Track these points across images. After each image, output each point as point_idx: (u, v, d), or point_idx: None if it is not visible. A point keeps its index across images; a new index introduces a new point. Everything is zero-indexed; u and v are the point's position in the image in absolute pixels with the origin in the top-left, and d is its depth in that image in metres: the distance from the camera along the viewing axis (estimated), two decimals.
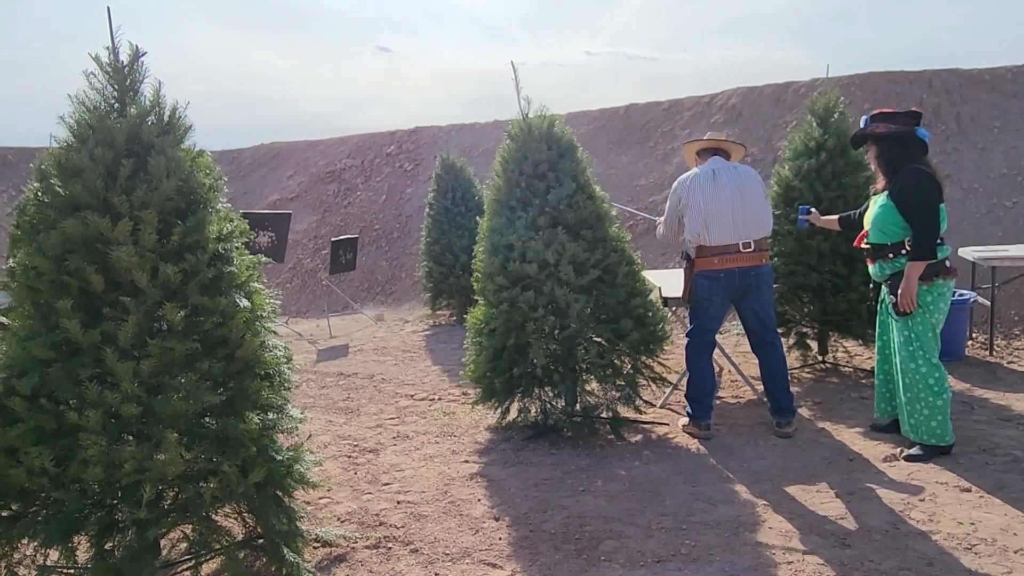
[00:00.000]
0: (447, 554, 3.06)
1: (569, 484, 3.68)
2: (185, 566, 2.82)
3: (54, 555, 2.63)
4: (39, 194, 2.65)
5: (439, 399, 5.43)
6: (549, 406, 4.43)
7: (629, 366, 4.31)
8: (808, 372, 5.57)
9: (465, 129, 13.50)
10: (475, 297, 4.65)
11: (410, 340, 7.93)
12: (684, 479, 3.67)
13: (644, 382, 4.43)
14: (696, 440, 4.23)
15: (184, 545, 2.94)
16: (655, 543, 3.04)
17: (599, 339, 4.31)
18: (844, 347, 5.95)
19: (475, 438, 4.50)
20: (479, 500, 3.58)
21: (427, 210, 8.90)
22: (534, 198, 4.32)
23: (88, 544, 2.49)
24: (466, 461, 4.12)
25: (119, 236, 2.53)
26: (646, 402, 4.46)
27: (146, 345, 2.51)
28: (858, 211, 4.26)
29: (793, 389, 5.12)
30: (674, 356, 4.76)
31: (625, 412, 4.39)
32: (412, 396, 5.55)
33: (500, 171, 4.49)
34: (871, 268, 3.91)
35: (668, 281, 5.16)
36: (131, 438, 2.46)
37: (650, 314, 4.33)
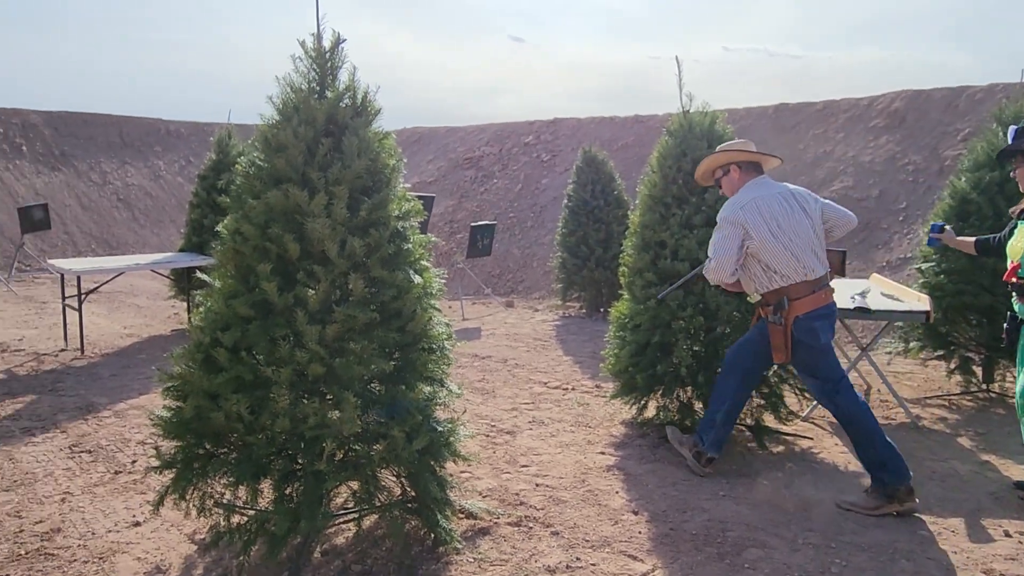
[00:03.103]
0: (587, 541, 3.11)
1: (709, 487, 3.64)
2: (346, 518, 3.03)
3: (229, 495, 2.90)
4: (248, 166, 2.92)
5: (572, 389, 5.49)
6: (688, 407, 4.38)
7: (779, 374, 4.18)
8: (969, 400, 5.18)
9: (604, 122, 13.45)
10: (620, 292, 4.66)
11: (540, 329, 8.03)
12: (832, 496, 3.53)
13: (788, 392, 4.29)
14: (843, 457, 4.04)
15: (339, 500, 3.18)
16: (802, 558, 2.95)
17: None
18: (1013, 376, 5.47)
19: (610, 431, 4.52)
20: (617, 492, 3.60)
21: (565, 201, 8.96)
22: (691, 196, 4.26)
23: (271, 488, 2.73)
24: (602, 453, 4.15)
25: (315, 209, 2.74)
26: (791, 413, 4.31)
27: (332, 311, 2.71)
28: (998, 236, 3.76)
29: (952, 416, 4.79)
30: None
31: (767, 421, 4.27)
32: (546, 384, 5.64)
33: (656, 167, 4.46)
34: (1018, 305, 3.41)
35: None
36: (314, 396, 2.67)
37: None
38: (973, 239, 3.96)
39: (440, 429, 2.90)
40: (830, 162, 9.90)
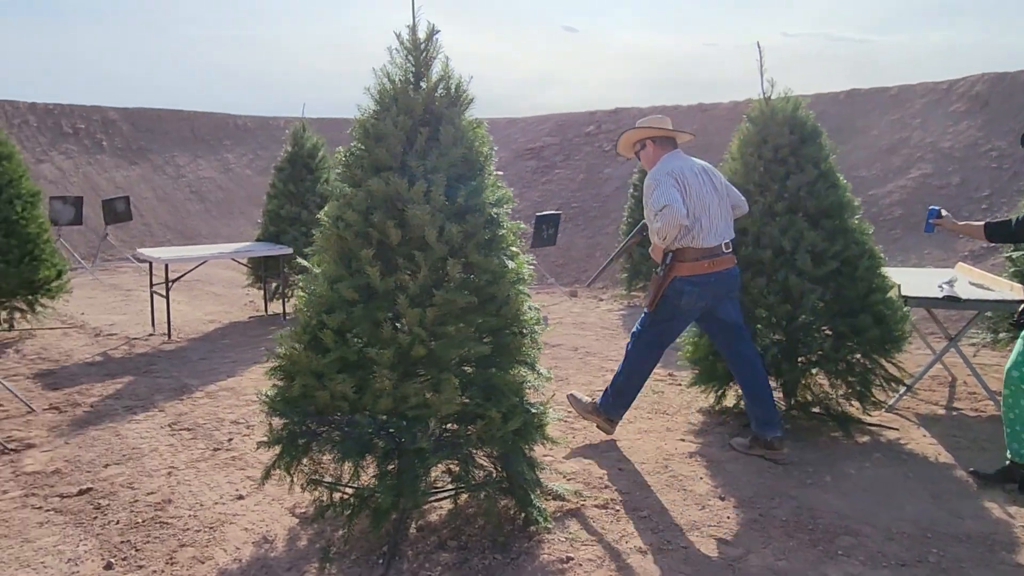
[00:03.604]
0: (675, 524, 3.14)
1: (795, 475, 3.62)
2: (441, 496, 3.13)
3: (334, 470, 3.04)
4: (347, 155, 3.03)
5: None
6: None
7: (865, 364, 4.11)
8: None
9: (667, 111, 13.30)
10: None
11: (607, 318, 8.05)
12: (923, 487, 3.47)
13: (875, 382, 4.22)
14: (932, 449, 3.96)
15: (429, 479, 3.28)
16: (897, 547, 2.92)
17: (829, 332, 4.16)
18: None
19: (688, 419, 4.52)
20: (701, 478, 3.62)
21: (631, 191, 8.93)
22: (772, 183, 4.22)
23: (372, 464, 2.85)
24: (682, 440, 4.16)
25: (414, 196, 2.83)
26: (877, 402, 4.24)
27: (431, 295, 2.80)
28: (1014, 219, 3.63)
29: None
30: (911, 357, 4.47)
31: (851, 411, 4.21)
32: None
33: (737, 154, 4.43)
34: None
35: (908, 279, 4.83)
36: (415, 377, 2.77)
37: (890, 312, 4.10)
38: (982, 223, 3.78)
39: (533, 411, 2.96)
40: (907, 149, 9.59)
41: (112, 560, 2.91)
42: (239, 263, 8.01)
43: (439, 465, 3.09)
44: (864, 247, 4.15)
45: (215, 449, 4.09)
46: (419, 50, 3.04)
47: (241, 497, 3.47)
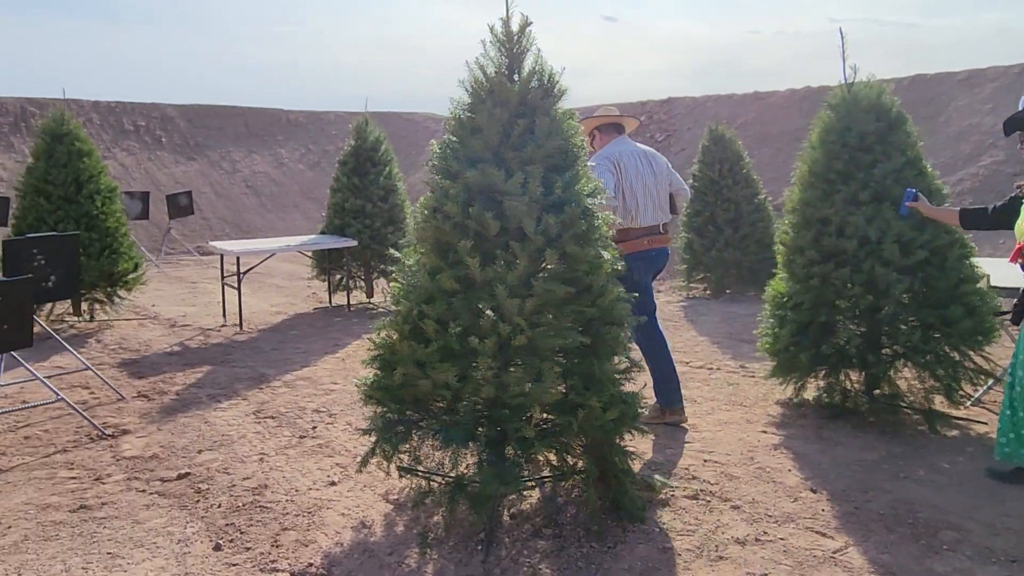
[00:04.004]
0: (770, 516, 3.13)
1: (886, 469, 3.56)
2: (537, 484, 3.16)
3: (437, 457, 3.09)
4: (443, 148, 3.06)
5: (717, 368, 5.46)
6: (851, 388, 4.28)
7: (954, 356, 4.02)
8: None
9: (722, 100, 13.13)
10: (773, 271, 4.60)
11: (667, 309, 7.99)
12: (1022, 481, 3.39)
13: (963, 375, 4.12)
14: None
15: (529, 469, 3.31)
16: (1004, 542, 2.86)
17: (916, 324, 4.07)
18: None
19: (767, 411, 4.48)
20: (789, 470, 3.59)
21: (690, 181, 8.82)
22: (857, 171, 4.14)
23: (473, 452, 2.90)
24: (764, 431, 4.13)
25: (511, 188, 2.85)
26: (965, 395, 4.14)
27: (530, 285, 2.82)
28: (993, 206, 3.58)
29: None
30: (1001, 348, 4.35)
31: (938, 405, 4.13)
32: (688, 363, 5.63)
33: (817, 142, 4.35)
34: None
35: (996, 269, 4.69)
36: (515, 366, 2.80)
37: (981, 303, 4.00)
38: (957, 209, 3.75)
39: (629, 401, 2.97)
40: (977, 135, 9.29)
41: (220, 542, 3.01)
42: (304, 255, 8.16)
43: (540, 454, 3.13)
44: (954, 236, 4.05)
45: (301, 437, 4.19)
46: (512, 42, 3.06)
47: (334, 483, 3.56)
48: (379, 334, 3.06)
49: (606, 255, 2.99)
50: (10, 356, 4.23)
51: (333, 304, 8.13)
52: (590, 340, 2.89)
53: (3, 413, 4.35)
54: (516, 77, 3.06)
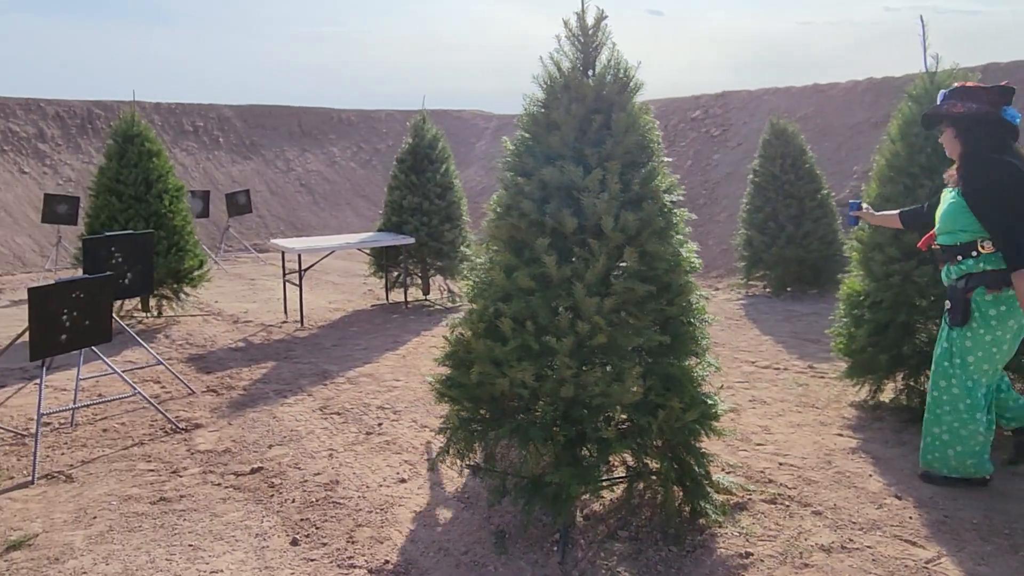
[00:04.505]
0: (854, 523, 3.02)
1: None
2: (612, 484, 3.12)
3: (514, 456, 3.07)
4: (518, 144, 3.03)
5: (784, 369, 5.32)
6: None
7: None
8: None
9: (779, 93, 12.82)
10: (846, 269, 4.45)
11: (728, 307, 7.83)
12: None
13: None
14: None
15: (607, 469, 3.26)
16: None
17: None
18: None
19: (840, 413, 4.34)
20: (870, 475, 3.46)
21: (751, 176, 8.63)
22: (941, 165, 3.96)
23: (549, 451, 2.86)
24: (840, 434, 4.00)
25: (589, 184, 2.80)
26: None
27: (608, 283, 2.77)
28: (928, 203, 3.54)
29: None
30: None
31: None
32: (754, 363, 5.51)
33: (898, 135, 4.19)
34: (941, 272, 3.31)
35: None
36: (594, 365, 2.75)
37: None
38: (897, 212, 3.70)
39: (709, 402, 2.90)
40: None
41: (297, 537, 3.05)
42: (364, 252, 8.24)
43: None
44: None
45: (368, 433, 4.22)
46: (588, 37, 3.01)
47: (404, 480, 3.57)
48: (453, 332, 3.05)
49: (684, 252, 2.92)
50: (87, 351, 4.35)
51: (390, 301, 8.19)
52: (670, 339, 2.83)
53: (85, 407, 4.49)
54: (591, 72, 3.01)
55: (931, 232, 3.39)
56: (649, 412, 2.76)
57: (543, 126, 2.97)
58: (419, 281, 8.14)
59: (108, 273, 4.16)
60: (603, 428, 2.66)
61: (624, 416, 2.85)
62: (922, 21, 4.17)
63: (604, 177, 2.80)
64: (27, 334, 3.81)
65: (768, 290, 8.55)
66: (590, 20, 3.02)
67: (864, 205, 3.89)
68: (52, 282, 3.78)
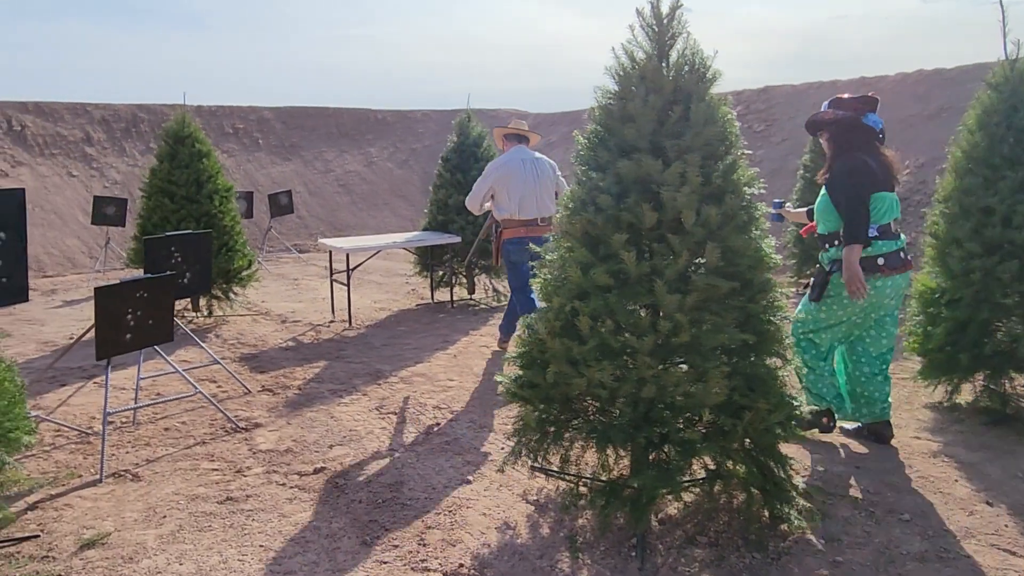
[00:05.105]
0: (947, 531, 2.88)
1: None
2: (691, 487, 3.02)
3: (593, 460, 2.99)
4: (591, 137, 2.95)
5: None
6: (1013, 392, 3.95)
7: None
8: None
9: (824, 88, 12.53)
10: (923, 268, 4.29)
11: None
12: None
13: None
14: None
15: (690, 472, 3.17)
16: None
17: None
18: None
19: (914, 415, 4.18)
20: (956, 480, 3.32)
21: (801, 171, 8.44)
22: None
23: (628, 453, 2.78)
24: (916, 437, 3.85)
25: (669, 178, 2.71)
26: None
27: (688, 280, 2.68)
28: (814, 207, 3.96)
29: None
30: None
31: None
32: None
33: (976, 125, 4.02)
34: (823, 256, 3.80)
35: None
36: (676, 365, 2.66)
37: None
38: (806, 209, 4.15)
39: (795, 404, 2.79)
40: None
41: (367, 538, 3.00)
42: (408, 252, 8.22)
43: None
44: None
45: (427, 434, 4.18)
46: (662, 26, 2.92)
47: (469, 482, 3.51)
48: (525, 331, 2.98)
49: (767, 248, 2.82)
50: (145, 350, 4.37)
51: (435, 301, 8.16)
52: (754, 338, 2.72)
53: (147, 406, 4.51)
54: (665, 62, 2.92)
55: (812, 224, 3.91)
56: (733, 414, 2.66)
57: (618, 118, 2.88)
58: (464, 280, 8.09)
59: (170, 272, 4.17)
60: (686, 430, 2.57)
61: (708, 418, 2.75)
62: (1001, 6, 4.00)
63: (684, 170, 2.71)
64: (91, 333, 3.83)
65: None
66: (664, 8, 2.92)
67: (787, 204, 4.50)
68: (117, 281, 3.80)
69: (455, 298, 8.01)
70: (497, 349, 5.91)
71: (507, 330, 5.74)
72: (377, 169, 17.68)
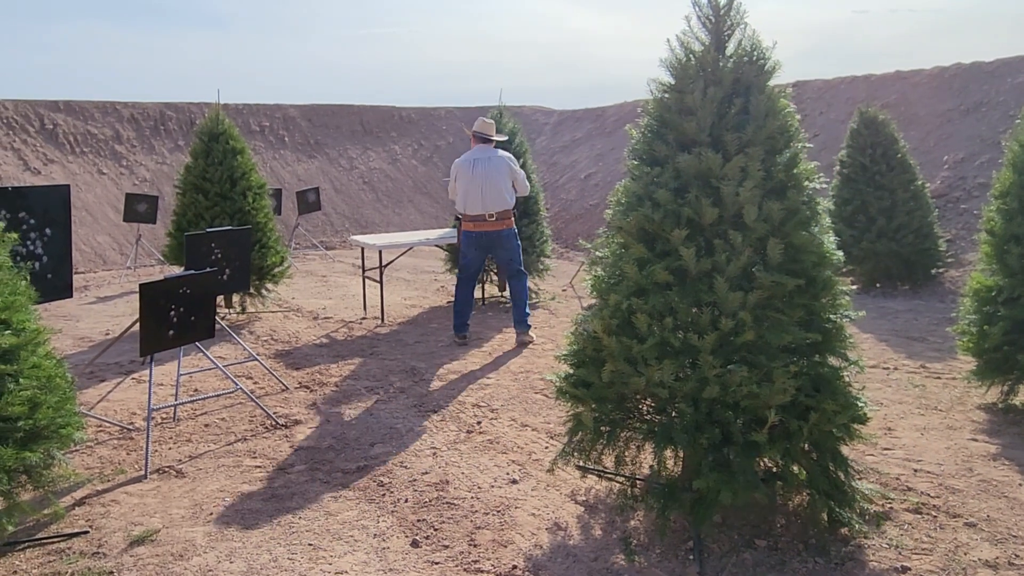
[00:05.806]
0: (1015, 536, 2.79)
1: None
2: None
3: (651, 460, 2.92)
4: (646, 131, 2.89)
5: (895, 368, 5.05)
6: None
7: None
8: None
9: (857, 82, 12.32)
10: (977, 266, 4.17)
11: None
12: None
13: None
14: None
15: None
16: None
17: None
18: None
19: (968, 416, 4.07)
20: (1020, 484, 3.22)
21: (838, 167, 8.29)
22: None
23: (691, 455, 2.71)
24: (974, 439, 3.74)
25: (730, 172, 2.64)
26: None
27: (751, 277, 2.61)
28: None
29: None
30: None
31: None
32: None
33: None
34: None
35: None
36: (739, 364, 2.59)
37: None
38: None
39: (860, 404, 2.71)
40: None
41: (416, 538, 2.96)
42: (440, 248, 8.19)
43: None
44: None
45: (468, 432, 4.13)
46: (719, 17, 2.85)
47: (515, 481, 3.46)
48: (578, 328, 2.92)
49: (829, 244, 2.74)
50: (182, 347, 4.37)
51: None
52: (819, 337, 2.64)
53: (189, 402, 4.52)
54: (722, 54, 2.84)
55: None
56: (799, 415, 2.58)
57: (675, 112, 2.81)
58: (495, 278, 8.05)
59: (212, 268, 4.16)
60: (754, 432, 2.50)
61: (774, 418, 2.68)
62: None
63: (746, 164, 2.63)
64: (133, 329, 3.82)
65: (856, 286, 8.19)
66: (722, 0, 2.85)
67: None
68: (161, 277, 3.79)
69: (486, 295, 7.97)
70: (527, 344, 6.00)
71: (519, 318, 5.99)
72: (401, 166, 17.68)
